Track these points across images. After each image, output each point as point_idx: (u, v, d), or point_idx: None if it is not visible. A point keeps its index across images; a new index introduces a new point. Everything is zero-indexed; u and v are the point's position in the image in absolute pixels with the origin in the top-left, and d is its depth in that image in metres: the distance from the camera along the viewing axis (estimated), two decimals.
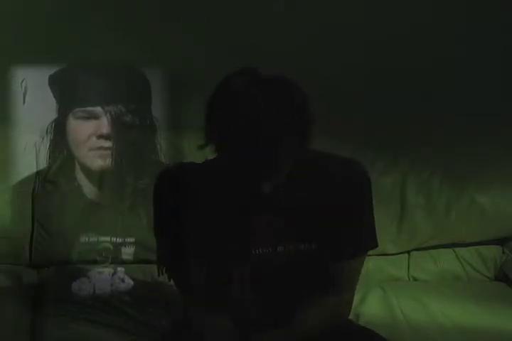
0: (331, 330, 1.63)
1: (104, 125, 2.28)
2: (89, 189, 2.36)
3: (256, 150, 1.42)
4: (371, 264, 2.45)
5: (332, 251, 1.62)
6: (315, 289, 1.64)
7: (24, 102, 2.36)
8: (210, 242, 1.61)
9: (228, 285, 1.62)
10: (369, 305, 2.24)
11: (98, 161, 2.31)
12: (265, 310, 1.64)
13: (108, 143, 2.29)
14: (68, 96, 2.33)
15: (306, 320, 1.63)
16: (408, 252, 2.51)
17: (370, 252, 2.40)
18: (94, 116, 2.28)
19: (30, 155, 2.37)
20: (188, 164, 1.68)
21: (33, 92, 2.36)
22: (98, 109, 2.28)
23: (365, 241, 1.67)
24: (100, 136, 2.28)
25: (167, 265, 1.67)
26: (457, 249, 2.51)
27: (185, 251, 1.62)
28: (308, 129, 1.48)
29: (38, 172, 2.36)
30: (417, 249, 2.49)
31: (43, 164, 2.37)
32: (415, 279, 2.49)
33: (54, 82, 2.33)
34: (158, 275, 1.67)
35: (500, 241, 2.53)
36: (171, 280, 1.68)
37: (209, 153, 1.52)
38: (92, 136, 2.29)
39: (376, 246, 1.68)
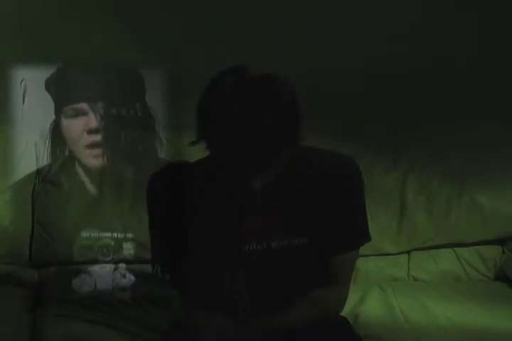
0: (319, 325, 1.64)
1: (92, 120, 2.31)
2: (89, 184, 2.38)
3: (246, 146, 1.43)
4: (371, 264, 2.46)
5: (325, 245, 1.63)
6: (309, 284, 1.66)
7: (23, 102, 2.36)
8: (203, 240, 1.63)
9: (223, 282, 1.64)
10: (369, 305, 2.24)
11: (93, 159, 2.35)
12: (259, 306, 1.65)
13: (99, 138, 2.32)
14: (60, 97, 2.37)
15: (299, 315, 1.64)
16: (408, 252, 2.51)
17: (370, 252, 2.44)
18: (82, 113, 2.32)
19: (30, 155, 2.38)
20: (181, 163, 1.71)
21: (33, 92, 2.36)
22: (84, 106, 2.31)
23: (358, 236, 1.68)
24: (90, 131, 2.33)
25: (162, 263, 1.68)
26: (457, 249, 2.51)
27: (180, 249, 1.64)
28: (297, 125, 1.48)
29: (38, 172, 2.37)
30: (417, 249, 2.49)
31: (43, 164, 2.38)
32: (415, 279, 2.49)
33: (49, 85, 2.37)
34: (152, 272, 1.69)
35: (500, 241, 2.53)
36: (166, 278, 1.70)
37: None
38: (83, 132, 2.33)
39: (369, 240, 1.69)
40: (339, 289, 1.68)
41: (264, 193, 1.57)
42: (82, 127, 2.33)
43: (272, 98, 1.43)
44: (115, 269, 2.30)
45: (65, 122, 2.35)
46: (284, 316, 1.63)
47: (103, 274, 2.28)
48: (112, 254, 2.32)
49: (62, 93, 2.36)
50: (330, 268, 1.65)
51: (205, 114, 1.47)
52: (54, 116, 2.37)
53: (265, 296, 1.65)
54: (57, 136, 2.37)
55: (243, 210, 1.62)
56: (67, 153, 2.38)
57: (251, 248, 1.62)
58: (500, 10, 2.44)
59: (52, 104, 2.36)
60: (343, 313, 1.75)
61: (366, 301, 2.26)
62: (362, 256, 2.43)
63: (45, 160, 2.38)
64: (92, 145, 2.34)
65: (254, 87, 1.44)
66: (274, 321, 1.63)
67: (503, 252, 2.52)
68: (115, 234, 2.33)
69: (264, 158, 1.46)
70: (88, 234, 2.32)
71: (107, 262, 2.32)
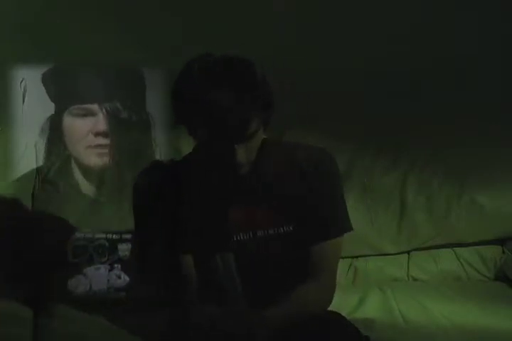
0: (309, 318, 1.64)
1: (101, 122, 2.31)
2: (86, 186, 2.38)
3: (218, 122, 1.54)
4: (371, 264, 2.46)
5: (310, 232, 1.69)
6: (297, 273, 1.69)
7: (23, 102, 2.36)
8: (191, 232, 1.68)
9: (212, 273, 1.68)
10: (368, 305, 2.24)
11: (95, 159, 2.34)
12: (249, 295, 1.67)
13: (105, 141, 2.32)
14: (64, 94, 2.35)
15: (288, 304, 1.64)
16: (408, 252, 2.51)
17: (370, 252, 2.44)
18: (91, 113, 2.31)
19: (30, 155, 2.38)
20: (166, 161, 1.79)
21: (33, 92, 2.36)
22: (95, 106, 2.30)
23: (339, 223, 1.73)
24: (97, 133, 2.31)
25: (147, 258, 1.74)
26: (457, 249, 2.51)
27: (167, 241, 1.69)
28: (268, 101, 1.59)
29: (37, 172, 2.37)
30: (416, 249, 2.49)
31: (43, 163, 2.38)
32: (415, 279, 2.49)
33: (48, 80, 2.35)
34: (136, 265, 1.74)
35: (500, 241, 2.53)
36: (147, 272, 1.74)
37: None
38: (89, 133, 2.31)
39: (351, 229, 1.74)
40: (326, 278, 1.71)
41: (245, 184, 1.65)
42: (89, 128, 2.31)
43: (232, 78, 1.54)
44: (110, 270, 2.30)
45: (70, 120, 2.33)
46: (274, 306, 1.63)
47: (98, 275, 2.28)
48: (107, 255, 2.32)
49: (67, 90, 2.34)
50: (316, 256, 1.69)
51: (177, 100, 1.59)
52: (54, 112, 2.36)
53: (254, 285, 1.67)
54: (54, 133, 2.35)
55: (228, 201, 1.68)
56: (64, 152, 2.37)
57: (238, 238, 1.68)
58: (500, 10, 2.44)
59: (52, 104, 2.36)
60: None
61: (366, 301, 2.26)
62: (362, 256, 2.45)
63: (44, 159, 2.37)
64: (96, 147, 2.32)
65: (217, 70, 1.54)
66: (267, 312, 1.62)
67: (503, 252, 2.52)
68: (110, 235, 2.33)
69: (240, 131, 1.56)
70: (83, 235, 2.32)
71: (102, 263, 2.31)
